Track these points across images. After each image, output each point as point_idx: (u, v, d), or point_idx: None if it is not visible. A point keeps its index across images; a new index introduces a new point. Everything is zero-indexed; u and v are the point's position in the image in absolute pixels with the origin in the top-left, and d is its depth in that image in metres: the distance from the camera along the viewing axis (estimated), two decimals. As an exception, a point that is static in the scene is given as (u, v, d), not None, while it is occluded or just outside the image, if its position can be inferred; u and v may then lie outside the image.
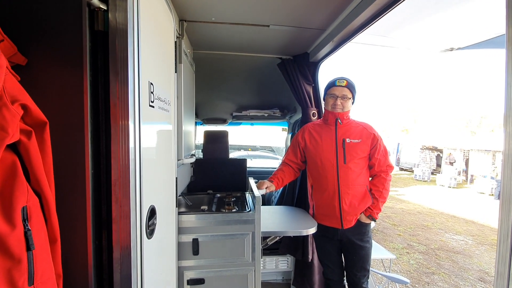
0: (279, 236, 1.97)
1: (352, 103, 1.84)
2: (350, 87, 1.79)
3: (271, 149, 9.98)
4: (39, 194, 0.71)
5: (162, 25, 1.30)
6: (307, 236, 2.20)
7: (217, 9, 1.61)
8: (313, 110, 2.38)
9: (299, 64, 2.36)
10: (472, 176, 14.59)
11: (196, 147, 2.99)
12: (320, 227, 1.88)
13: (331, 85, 1.83)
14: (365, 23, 1.47)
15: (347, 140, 1.78)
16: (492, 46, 2.27)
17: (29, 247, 0.64)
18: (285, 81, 2.44)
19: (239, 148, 7.92)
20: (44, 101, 0.75)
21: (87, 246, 0.84)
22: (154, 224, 1.09)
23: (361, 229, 1.82)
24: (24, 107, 0.66)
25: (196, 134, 3.45)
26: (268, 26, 1.79)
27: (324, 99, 1.91)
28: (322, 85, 2.44)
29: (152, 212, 1.08)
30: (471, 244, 5.75)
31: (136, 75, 0.92)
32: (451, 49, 2.75)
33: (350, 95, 1.80)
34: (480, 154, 14.74)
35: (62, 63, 0.81)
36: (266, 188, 1.86)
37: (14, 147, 0.67)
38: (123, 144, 0.86)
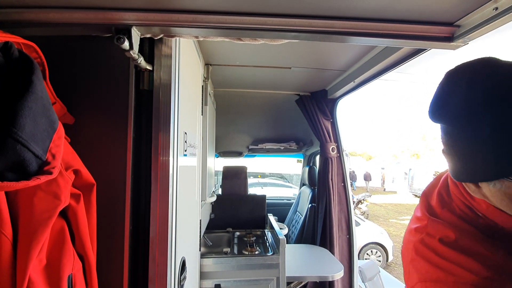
0: (304, 282, 1.88)
1: None
2: None
3: (281, 176, 9.87)
4: (82, 257, 0.69)
5: (194, 74, 1.35)
6: (333, 280, 2.09)
7: (242, 54, 1.67)
8: (332, 145, 2.37)
9: (317, 100, 2.38)
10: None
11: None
12: None
13: None
14: (390, 66, 1.49)
15: None
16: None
17: (72, 317, 0.62)
18: (303, 115, 2.46)
19: (248, 175, 7.86)
20: (89, 159, 0.76)
21: (122, 309, 0.80)
22: (185, 278, 1.05)
23: None
24: (75, 172, 0.67)
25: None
26: (290, 68, 1.84)
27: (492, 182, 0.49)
28: (340, 121, 2.45)
29: (183, 265, 1.04)
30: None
31: (176, 128, 0.93)
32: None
33: None
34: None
35: (108, 122, 0.84)
36: None
37: (62, 212, 0.67)
38: (162, 200, 0.86)
